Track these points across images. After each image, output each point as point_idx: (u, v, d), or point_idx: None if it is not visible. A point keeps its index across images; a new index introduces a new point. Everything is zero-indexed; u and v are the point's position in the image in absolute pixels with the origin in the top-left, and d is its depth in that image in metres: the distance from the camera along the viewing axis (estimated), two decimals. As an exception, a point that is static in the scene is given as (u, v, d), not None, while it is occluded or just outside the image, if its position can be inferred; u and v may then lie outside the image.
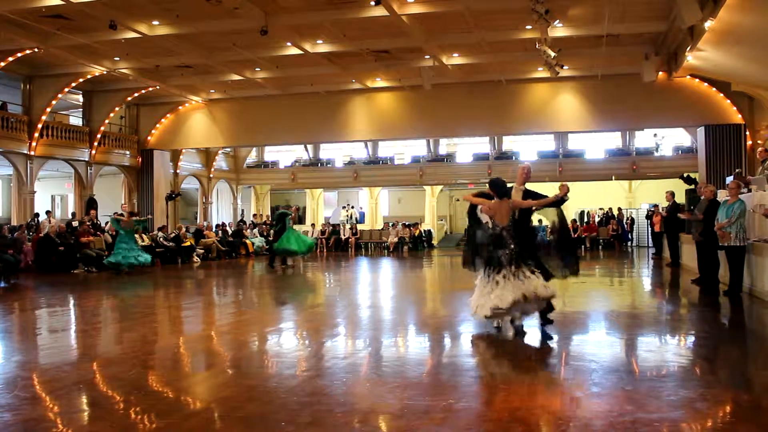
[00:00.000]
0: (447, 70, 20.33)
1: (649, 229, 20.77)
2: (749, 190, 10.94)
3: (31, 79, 21.04)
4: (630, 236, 26.57)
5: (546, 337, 6.89)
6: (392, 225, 27.77)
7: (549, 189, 26.77)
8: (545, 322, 7.20)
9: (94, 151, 22.93)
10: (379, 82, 22.84)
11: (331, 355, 6.31)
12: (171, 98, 24.54)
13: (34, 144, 20.48)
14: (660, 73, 20.02)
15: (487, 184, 7.30)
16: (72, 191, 24.19)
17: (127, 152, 24.72)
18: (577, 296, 11.39)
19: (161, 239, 20.28)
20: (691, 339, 7.07)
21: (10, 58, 18.32)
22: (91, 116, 23.39)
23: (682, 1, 13.88)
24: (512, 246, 6.79)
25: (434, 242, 29.76)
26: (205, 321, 9.18)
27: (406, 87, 22.94)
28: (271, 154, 32.32)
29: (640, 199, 28.58)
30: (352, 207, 31.41)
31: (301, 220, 33.33)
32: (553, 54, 16.63)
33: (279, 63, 20.32)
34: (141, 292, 12.63)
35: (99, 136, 23.04)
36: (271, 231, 19.71)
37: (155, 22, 16.48)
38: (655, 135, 26.57)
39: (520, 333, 6.93)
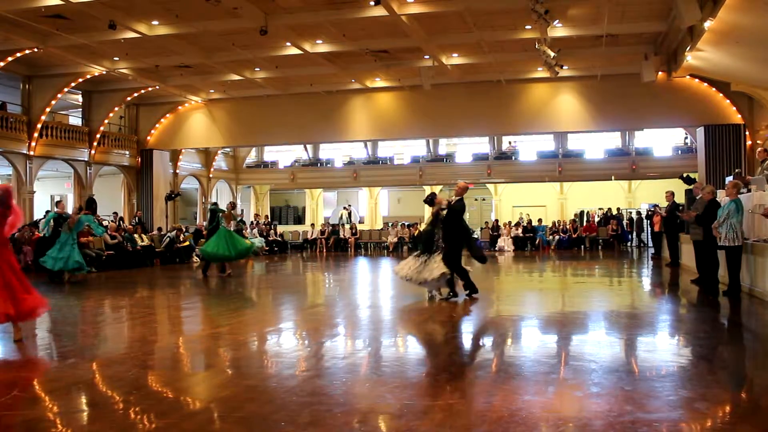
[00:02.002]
0: (446, 70, 20.34)
1: (649, 229, 20.76)
2: (749, 190, 10.95)
3: (30, 79, 21.04)
4: (630, 236, 26.59)
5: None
6: (392, 225, 27.78)
7: (549, 189, 26.62)
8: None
9: (93, 151, 22.93)
10: (379, 82, 22.85)
11: (330, 355, 6.31)
12: (170, 98, 24.54)
13: (33, 144, 20.48)
14: (659, 73, 20.03)
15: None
16: (71, 191, 24.19)
17: (127, 152, 24.72)
18: (576, 296, 11.41)
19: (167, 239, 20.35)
20: (691, 339, 7.07)
21: (10, 58, 18.33)
22: (91, 116, 23.39)
23: (682, 1, 13.89)
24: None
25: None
26: (204, 321, 9.18)
27: (405, 87, 22.95)
28: (270, 154, 32.32)
29: (640, 199, 28.60)
30: (349, 206, 31.35)
31: (300, 219, 33.33)
32: (552, 54, 16.65)
33: (278, 63, 20.32)
34: (140, 292, 12.63)
35: (98, 136, 23.06)
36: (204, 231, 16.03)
37: (155, 22, 16.48)
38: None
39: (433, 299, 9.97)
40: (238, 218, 18.10)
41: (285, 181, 30.76)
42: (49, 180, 25.85)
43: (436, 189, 30.69)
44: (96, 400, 4.85)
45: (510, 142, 28.64)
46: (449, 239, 9.83)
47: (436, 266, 9.75)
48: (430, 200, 10.56)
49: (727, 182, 10.57)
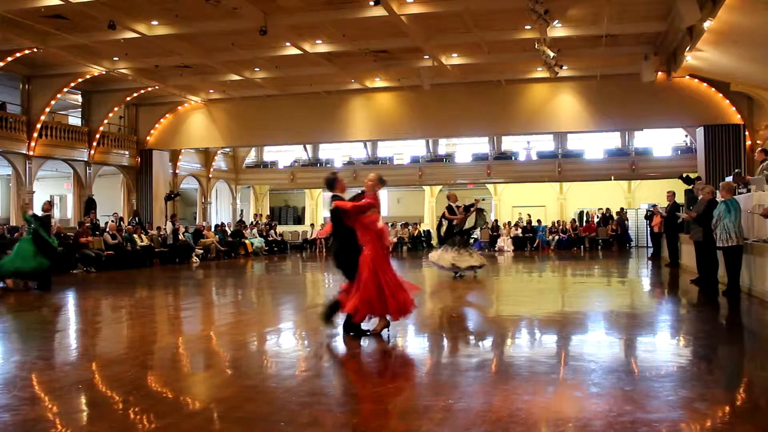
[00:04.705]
0: (446, 70, 20.33)
1: (648, 229, 20.74)
2: (748, 191, 10.95)
3: (30, 79, 21.01)
4: (630, 237, 26.54)
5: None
6: (391, 225, 27.77)
7: (549, 189, 26.61)
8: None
9: (93, 151, 22.91)
10: (379, 82, 22.84)
11: (330, 355, 6.31)
12: (170, 98, 24.52)
13: (33, 144, 20.45)
14: (659, 73, 20.03)
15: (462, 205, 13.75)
16: (71, 191, 24.18)
17: (126, 152, 24.70)
18: (576, 296, 11.41)
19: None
20: (690, 339, 7.08)
21: (9, 58, 18.29)
22: (90, 116, 23.37)
23: (681, 2, 13.89)
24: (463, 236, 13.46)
25: (433, 242, 29.75)
26: (204, 321, 9.18)
27: (405, 87, 22.93)
28: (270, 154, 32.30)
29: (639, 199, 28.59)
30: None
31: (299, 219, 33.29)
32: (552, 54, 16.64)
33: (278, 63, 20.31)
34: (140, 292, 12.63)
35: (98, 136, 23.01)
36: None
37: (154, 22, 16.47)
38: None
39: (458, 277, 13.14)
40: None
41: (285, 181, 30.73)
42: (48, 180, 25.82)
43: (436, 189, 30.82)
44: (96, 400, 4.84)
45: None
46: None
47: (472, 258, 13.17)
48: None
49: (722, 183, 10.59)
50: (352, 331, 6.86)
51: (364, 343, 6.64)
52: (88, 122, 23.29)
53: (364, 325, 6.87)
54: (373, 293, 6.53)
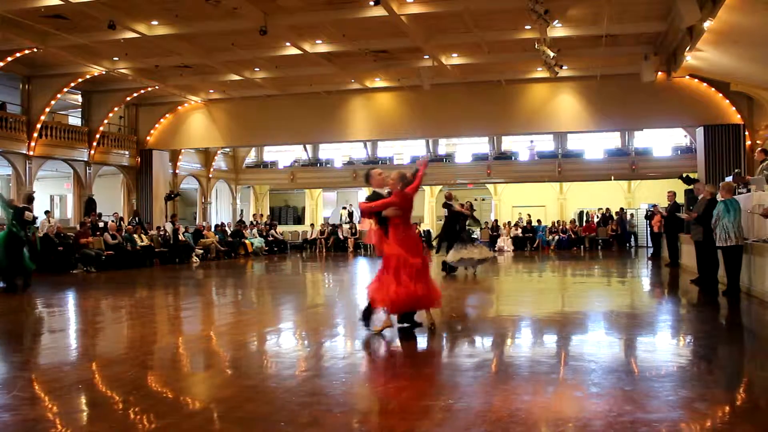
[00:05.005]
0: (446, 70, 20.33)
1: (648, 229, 20.74)
2: (748, 191, 10.96)
3: (30, 79, 21.01)
4: (630, 237, 26.55)
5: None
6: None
7: (549, 189, 26.63)
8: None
9: (93, 151, 22.91)
10: (379, 83, 22.84)
11: (330, 355, 6.31)
12: (170, 98, 24.53)
13: (33, 144, 20.45)
14: (659, 73, 20.04)
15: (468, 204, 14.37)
16: (71, 191, 24.18)
17: (126, 152, 24.71)
18: (576, 296, 11.41)
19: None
20: (690, 339, 7.08)
21: (9, 58, 18.30)
22: (90, 116, 23.37)
23: (681, 2, 13.90)
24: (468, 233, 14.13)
25: (433, 242, 29.71)
26: (204, 321, 9.18)
27: (405, 87, 22.94)
28: (270, 154, 32.30)
29: (639, 199, 28.59)
30: (350, 205, 31.31)
31: (299, 219, 33.26)
32: (552, 54, 16.64)
33: (278, 63, 20.32)
34: (140, 292, 12.63)
35: (98, 136, 23.02)
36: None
37: (154, 22, 16.48)
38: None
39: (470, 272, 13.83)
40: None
41: (285, 182, 30.73)
42: (48, 180, 25.81)
43: (436, 189, 30.82)
44: (96, 400, 4.84)
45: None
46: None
47: (482, 251, 13.78)
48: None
49: (721, 183, 10.60)
50: (365, 321, 7.21)
51: (364, 342, 6.64)
52: (88, 122, 23.29)
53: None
54: (376, 287, 6.91)
